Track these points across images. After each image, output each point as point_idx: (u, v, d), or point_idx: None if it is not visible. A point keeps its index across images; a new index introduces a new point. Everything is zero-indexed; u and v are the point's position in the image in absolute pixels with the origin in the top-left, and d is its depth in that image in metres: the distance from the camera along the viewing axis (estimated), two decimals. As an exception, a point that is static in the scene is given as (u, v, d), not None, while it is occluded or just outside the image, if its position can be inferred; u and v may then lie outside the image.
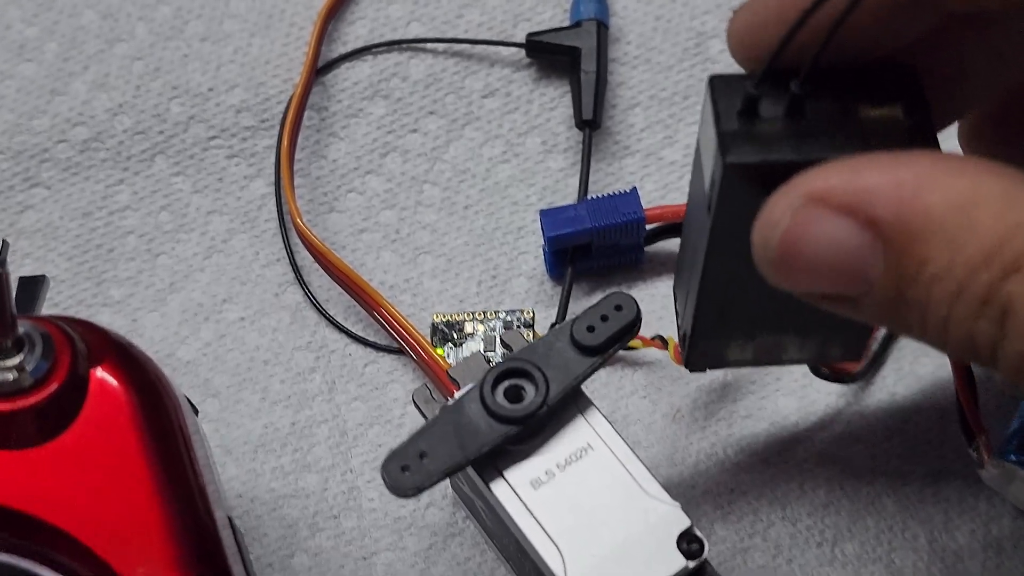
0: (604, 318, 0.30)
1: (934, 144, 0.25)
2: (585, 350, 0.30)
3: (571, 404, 0.31)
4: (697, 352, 0.30)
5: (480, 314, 0.37)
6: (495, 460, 0.30)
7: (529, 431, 0.30)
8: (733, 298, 0.28)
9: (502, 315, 0.37)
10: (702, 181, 0.26)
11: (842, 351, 0.31)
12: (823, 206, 0.23)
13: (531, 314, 0.37)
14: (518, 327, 0.37)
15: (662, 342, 0.34)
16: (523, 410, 0.29)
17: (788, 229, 0.23)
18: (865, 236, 0.23)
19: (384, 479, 0.29)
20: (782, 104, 0.25)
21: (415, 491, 0.29)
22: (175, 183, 0.40)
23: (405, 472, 0.29)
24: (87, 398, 0.26)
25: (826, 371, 0.35)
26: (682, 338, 0.30)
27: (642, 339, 0.34)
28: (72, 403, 0.26)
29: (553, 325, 0.37)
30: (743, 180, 0.24)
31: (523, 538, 0.30)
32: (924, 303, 0.22)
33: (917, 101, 0.25)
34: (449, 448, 0.29)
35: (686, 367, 0.31)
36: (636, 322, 0.30)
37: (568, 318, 0.30)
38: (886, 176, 0.23)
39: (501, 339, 0.32)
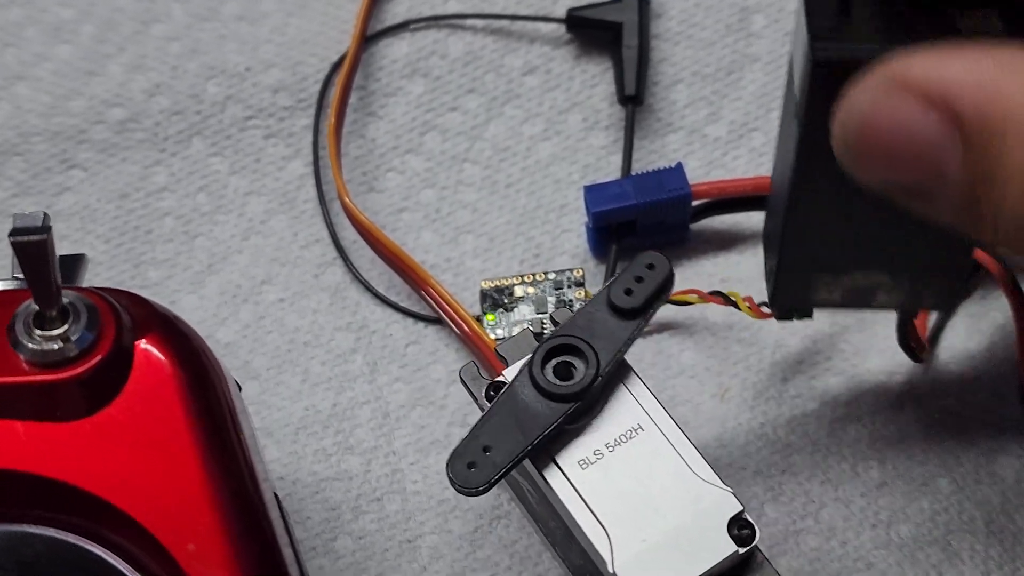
0: (639, 279, 0.30)
1: None
2: (625, 314, 0.29)
3: (617, 380, 0.30)
4: (783, 290, 0.29)
5: (529, 276, 0.37)
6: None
7: (580, 410, 0.29)
8: (822, 223, 0.27)
9: (551, 275, 0.36)
10: (793, 88, 0.26)
11: (933, 298, 0.30)
12: (905, 93, 0.22)
13: (581, 272, 0.36)
14: (569, 286, 0.36)
15: (723, 298, 0.33)
16: (577, 385, 0.29)
17: (868, 113, 0.23)
18: (945, 129, 0.22)
19: (451, 480, 0.28)
20: (876, 3, 0.24)
21: (486, 487, 0.28)
22: (212, 164, 0.39)
23: (472, 469, 0.28)
24: (132, 370, 0.25)
25: (912, 344, 0.34)
26: (768, 274, 0.30)
27: (700, 295, 0.34)
28: (117, 375, 0.25)
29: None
30: (832, 78, 0.24)
31: (570, 519, 0.29)
32: (999, 203, 0.22)
33: (1019, 10, 0.24)
34: (511, 436, 0.28)
35: (770, 306, 0.30)
36: (670, 277, 0.30)
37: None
38: (970, 67, 0.22)
39: (551, 317, 0.32)
